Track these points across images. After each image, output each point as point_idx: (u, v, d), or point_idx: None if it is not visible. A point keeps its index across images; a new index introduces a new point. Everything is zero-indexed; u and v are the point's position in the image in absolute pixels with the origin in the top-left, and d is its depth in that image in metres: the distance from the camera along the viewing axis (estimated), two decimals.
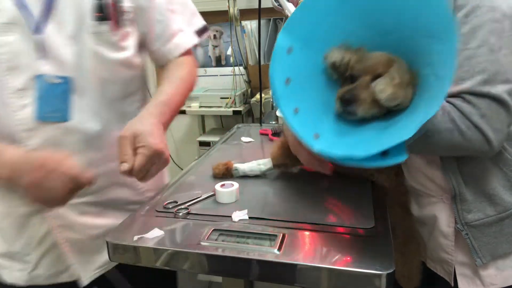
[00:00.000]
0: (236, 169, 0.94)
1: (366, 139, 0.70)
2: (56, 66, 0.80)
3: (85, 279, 0.92)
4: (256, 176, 0.94)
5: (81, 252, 0.91)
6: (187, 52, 0.95)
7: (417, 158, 0.83)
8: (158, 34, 0.91)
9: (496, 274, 0.77)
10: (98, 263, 0.93)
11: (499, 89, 0.64)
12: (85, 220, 0.89)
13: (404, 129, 0.62)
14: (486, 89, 0.65)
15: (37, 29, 0.77)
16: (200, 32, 0.98)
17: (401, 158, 0.62)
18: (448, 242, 0.80)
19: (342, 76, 0.76)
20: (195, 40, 0.96)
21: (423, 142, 0.67)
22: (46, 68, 0.79)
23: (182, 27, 0.94)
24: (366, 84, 0.71)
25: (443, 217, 0.80)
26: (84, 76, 0.82)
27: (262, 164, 0.94)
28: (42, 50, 0.78)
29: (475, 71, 0.66)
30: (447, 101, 0.67)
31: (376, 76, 0.70)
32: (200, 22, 0.99)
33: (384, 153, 0.63)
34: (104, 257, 0.92)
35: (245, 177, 0.94)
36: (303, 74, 0.78)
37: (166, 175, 1.11)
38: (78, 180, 0.75)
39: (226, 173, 0.94)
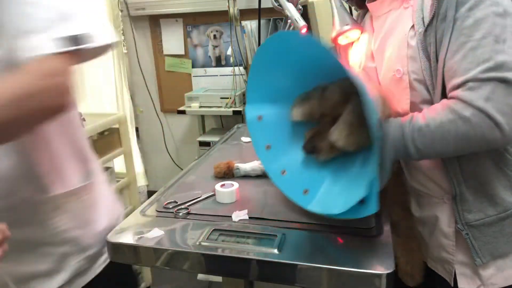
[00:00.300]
0: (238, 169, 0.94)
1: (338, 191, 0.74)
2: None
3: None
4: (256, 176, 0.95)
5: None
6: (48, 60, 0.63)
7: None
8: (6, 30, 0.65)
9: (496, 274, 0.77)
10: None
11: (505, 73, 0.62)
12: None
13: (361, 185, 0.65)
14: (492, 74, 0.63)
15: None
16: (69, 41, 0.65)
17: (372, 211, 0.65)
18: (449, 242, 0.80)
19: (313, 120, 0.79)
20: (50, 48, 0.64)
21: (430, 142, 0.66)
22: None
23: (40, 27, 0.65)
24: (327, 126, 0.73)
25: (444, 217, 0.80)
26: None
27: None
28: None
29: (480, 61, 0.64)
30: (450, 97, 0.67)
31: (336, 117, 0.72)
32: (68, 30, 0.65)
33: (362, 201, 0.67)
34: None
35: (245, 177, 0.94)
36: (280, 132, 0.83)
37: (100, 208, 0.85)
38: None
39: (227, 173, 0.94)
